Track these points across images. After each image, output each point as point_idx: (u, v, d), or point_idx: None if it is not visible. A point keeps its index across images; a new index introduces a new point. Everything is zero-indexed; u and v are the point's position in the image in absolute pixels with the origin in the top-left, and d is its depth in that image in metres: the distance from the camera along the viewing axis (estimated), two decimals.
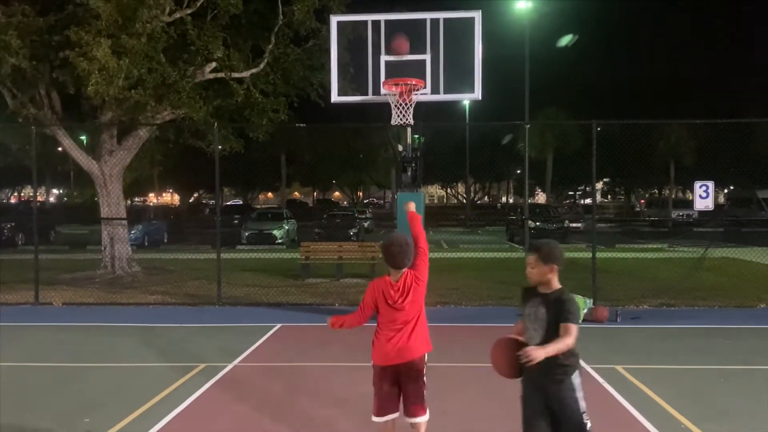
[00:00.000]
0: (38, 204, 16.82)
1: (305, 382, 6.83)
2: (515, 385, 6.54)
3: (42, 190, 47.41)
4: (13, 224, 23.96)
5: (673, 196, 44.73)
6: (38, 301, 11.69)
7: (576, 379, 3.62)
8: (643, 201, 50.33)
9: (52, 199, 52.75)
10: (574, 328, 3.48)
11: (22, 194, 60.16)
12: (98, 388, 6.59)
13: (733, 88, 39.81)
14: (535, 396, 3.69)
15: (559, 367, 3.56)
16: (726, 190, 46.93)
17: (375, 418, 4.30)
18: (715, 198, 11.95)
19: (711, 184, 11.23)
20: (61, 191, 55.62)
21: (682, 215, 35.34)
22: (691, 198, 15.07)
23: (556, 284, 3.67)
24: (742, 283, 13.16)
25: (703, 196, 11.17)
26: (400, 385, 4.24)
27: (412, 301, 4.19)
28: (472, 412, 5.83)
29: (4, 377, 6.98)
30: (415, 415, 4.24)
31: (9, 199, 56.93)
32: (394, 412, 4.28)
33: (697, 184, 11.25)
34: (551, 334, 3.52)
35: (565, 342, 3.45)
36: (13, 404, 6.09)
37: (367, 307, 4.31)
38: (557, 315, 3.53)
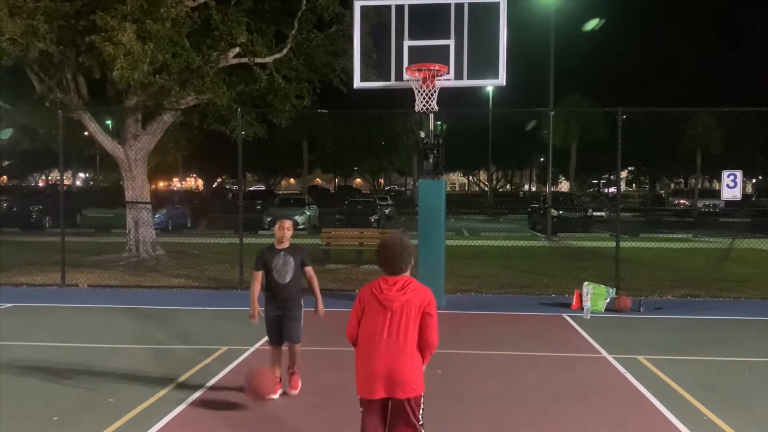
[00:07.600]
0: (65, 188, 17.06)
1: (325, 366, 6.87)
2: (534, 373, 6.46)
3: (68, 174, 48.14)
4: (40, 207, 24.42)
5: (699, 186, 43.95)
6: (64, 282, 11.90)
7: None
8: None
9: (78, 183, 53.57)
10: None
11: (50, 178, 61.15)
12: (122, 370, 6.69)
13: (763, 75, 38.78)
14: None
15: None
16: (754, 180, 46.00)
17: None
18: (743, 188, 11.73)
19: (739, 174, 11.01)
20: (87, 175, 56.47)
21: (708, 205, 34.69)
22: (717, 188, 14.76)
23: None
24: None
25: (731, 186, 10.96)
26: None
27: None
28: (490, 400, 5.81)
29: (30, 356, 7.12)
30: None
31: (37, 182, 57.94)
32: None
33: (725, 173, 11.04)
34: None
35: None
36: (38, 383, 6.22)
37: None
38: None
